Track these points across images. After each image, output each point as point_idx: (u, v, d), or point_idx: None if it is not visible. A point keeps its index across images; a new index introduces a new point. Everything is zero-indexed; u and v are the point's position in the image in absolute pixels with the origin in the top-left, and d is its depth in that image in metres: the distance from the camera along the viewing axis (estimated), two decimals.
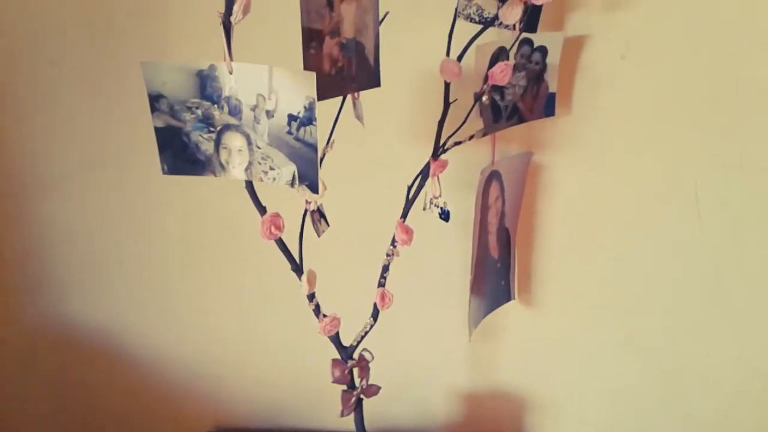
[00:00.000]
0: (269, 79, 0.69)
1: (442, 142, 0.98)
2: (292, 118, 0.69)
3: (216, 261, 1.22)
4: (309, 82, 0.67)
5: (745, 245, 1.10)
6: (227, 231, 1.19)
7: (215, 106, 0.72)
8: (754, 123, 1.03)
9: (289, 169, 0.72)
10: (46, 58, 1.11)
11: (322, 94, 0.73)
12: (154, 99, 0.71)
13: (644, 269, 1.15)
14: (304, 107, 0.68)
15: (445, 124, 0.99)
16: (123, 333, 1.29)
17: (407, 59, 1.05)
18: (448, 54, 0.97)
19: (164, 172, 0.75)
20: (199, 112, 0.72)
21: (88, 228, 1.22)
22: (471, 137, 0.99)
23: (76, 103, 1.14)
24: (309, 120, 0.68)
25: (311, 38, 0.70)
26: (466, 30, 0.96)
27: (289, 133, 0.70)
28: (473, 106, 0.95)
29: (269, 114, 0.70)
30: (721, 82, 1.02)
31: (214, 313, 1.27)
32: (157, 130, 0.73)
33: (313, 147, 0.70)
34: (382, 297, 0.97)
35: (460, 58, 0.96)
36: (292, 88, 0.68)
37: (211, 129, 0.73)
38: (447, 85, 0.97)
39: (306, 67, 0.70)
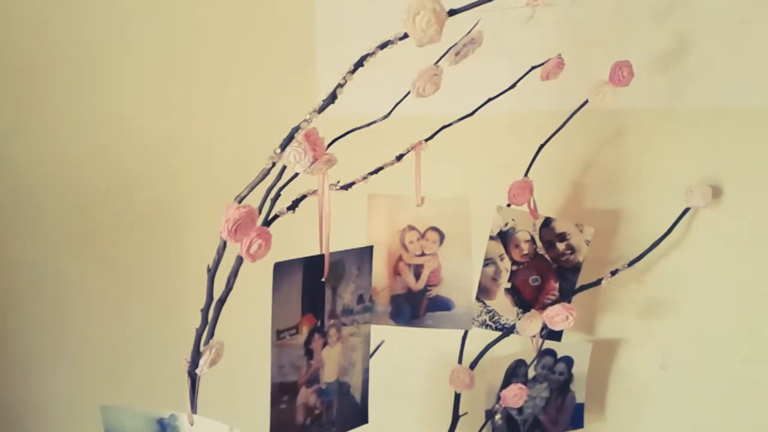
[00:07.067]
0: None
1: None
2: None
3: None
4: None
5: None
6: None
7: None
8: None
9: None
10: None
11: None
12: None
13: None
14: None
15: None
16: None
17: (415, 353, 0.99)
18: (460, 361, 0.90)
19: None
20: None
21: None
22: None
23: None
24: None
25: (282, 393, 0.64)
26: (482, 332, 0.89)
27: None
28: (485, 424, 0.86)
29: None
30: None
31: None
32: None
33: None
34: None
35: (473, 365, 0.89)
36: None
37: None
38: (457, 397, 0.89)
39: (273, 425, 0.63)
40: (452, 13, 0.52)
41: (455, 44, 0.61)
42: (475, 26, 0.61)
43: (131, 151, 1.17)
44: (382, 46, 0.53)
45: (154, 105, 1.14)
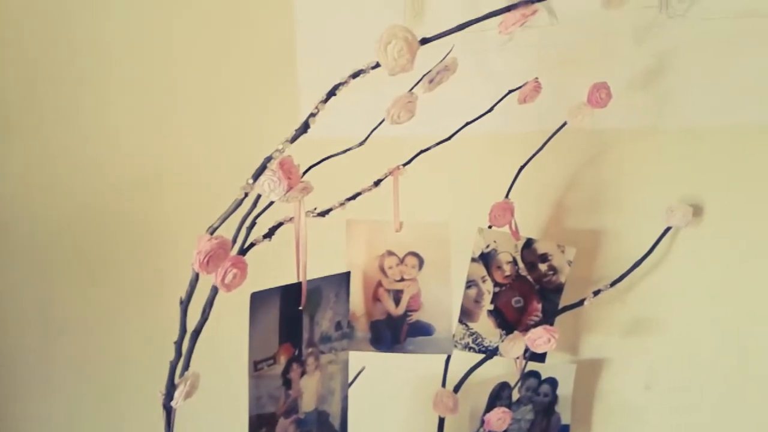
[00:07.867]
0: None
1: None
2: None
3: None
4: None
5: None
6: None
7: None
8: None
9: None
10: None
11: None
12: None
13: None
14: None
15: None
16: None
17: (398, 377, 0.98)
18: (443, 384, 0.89)
19: None
20: None
21: None
22: None
23: None
24: None
25: (260, 425, 0.63)
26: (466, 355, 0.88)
27: None
28: None
29: None
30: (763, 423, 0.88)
31: None
32: None
33: None
34: None
35: (457, 389, 0.88)
36: None
37: None
38: (441, 421, 0.88)
39: None
40: (424, 42, 0.52)
41: (429, 71, 0.61)
42: (448, 54, 0.60)
43: (118, 176, 1.15)
44: (355, 75, 0.53)
45: (140, 129, 1.13)
